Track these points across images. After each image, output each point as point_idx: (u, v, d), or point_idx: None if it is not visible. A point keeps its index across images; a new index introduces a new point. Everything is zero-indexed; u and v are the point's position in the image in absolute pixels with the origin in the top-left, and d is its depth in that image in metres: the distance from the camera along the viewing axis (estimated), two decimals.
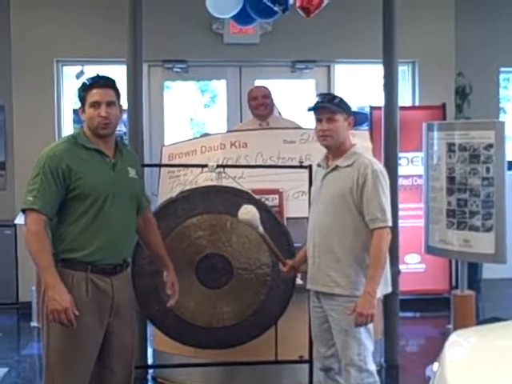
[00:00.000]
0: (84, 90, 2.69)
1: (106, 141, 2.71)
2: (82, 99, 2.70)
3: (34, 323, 5.05)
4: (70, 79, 5.98)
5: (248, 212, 3.05)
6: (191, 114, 7.08)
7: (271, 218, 3.35)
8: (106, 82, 2.70)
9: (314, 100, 3.00)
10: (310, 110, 2.97)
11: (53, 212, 2.60)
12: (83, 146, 2.67)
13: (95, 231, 2.63)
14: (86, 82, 2.72)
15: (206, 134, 5.19)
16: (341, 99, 2.96)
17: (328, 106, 2.91)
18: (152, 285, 3.27)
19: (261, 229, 3.08)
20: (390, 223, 2.86)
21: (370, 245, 2.82)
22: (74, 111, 5.79)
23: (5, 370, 4.28)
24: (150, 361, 4.13)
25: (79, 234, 2.62)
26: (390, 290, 3.04)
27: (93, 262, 2.63)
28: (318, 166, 3.09)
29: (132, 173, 2.80)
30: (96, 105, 2.66)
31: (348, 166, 2.91)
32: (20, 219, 2.88)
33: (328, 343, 2.99)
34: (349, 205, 2.87)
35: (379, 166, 2.92)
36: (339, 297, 2.88)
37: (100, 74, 2.76)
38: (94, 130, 2.68)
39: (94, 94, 2.66)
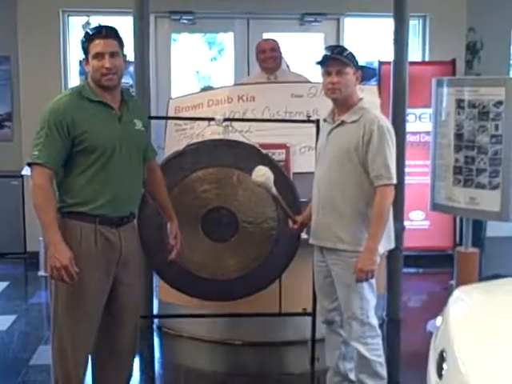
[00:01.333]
0: (86, 41, 2.65)
1: (111, 92, 2.69)
2: (85, 50, 2.67)
3: (41, 272, 5.14)
4: (77, 30, 5.92)
5: (263, 174, 3.03)
6: (198, 67, 7.03)
7: (278, 172, 3.35)
8: (108, 32, 2.66)
9: (322, 53, 2.97)
10: (318, 63, 2.93)
11: (58, 166, 2.60)
12: (88, 98, 2.65)
13: (102, 184, 2.63)
14: (88, 32, 2.68)
15: (210, 88, 5.16)
16: (351, 52, 2.93)
17: (339, 57, 2.87)
18: (158, 236, 3.29)
19: (274, 190, 3.07)
20: (394, 180, 2.85)
21: (373, 201, 2.83)
22: (80, 62, 5.72)
23: (13, 317, 4.38)
24: (155, 311, 4.20)
25: (86, 186, 2.62)
26: (393, 246, 3.05)
27: (101, 214, 2.64)
28: (324, 120, 3.07)
29: (139, 125, 2.78)
30: (99, 56, 2.63)
31: (354, 121, 2.89)
32: (27, 171, 2.88)
33: (331, 297, 3.03)
34: (354, 161, 2.86)
35: (386, 122, 2.90)
36: (342, 252, 2.90)
37: (102, 24, 2.72)
38: (98, 81, 2.66)
39: (97, 45, 2.62)
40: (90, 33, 2.66)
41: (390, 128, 2.89)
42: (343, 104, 2.93)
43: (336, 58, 2.88)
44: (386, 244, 2.93)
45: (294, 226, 3.17)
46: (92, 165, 2.62)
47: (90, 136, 2.60)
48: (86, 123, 2.61)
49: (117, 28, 2.71)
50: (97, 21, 5.68)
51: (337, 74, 2.88)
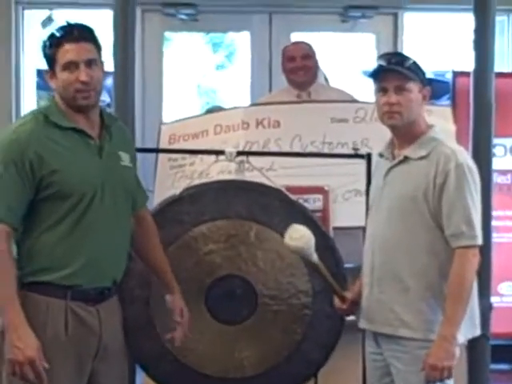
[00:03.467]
0: (52, 47, 2.70)
1: (87, 115, 2.74)
2: (51, 59, 2.71)
3: None
4: (35, 28, 6.03)
5: (301, 236, 3.01)
6: (199, 79, 7.12)
7: (313, 227, 3.36)
8: (82, 33, 2.71)
9: (374, 62, 3.01)
10: (370, 75, 2.97)
11: (18, 220, 2.63)
12: (56, 125, 2.69)
13: (77, 244, 2.66)
14: (53, 34, 2.73)
15: (219, 108, 5.21)
16: (414, 62, 2.96)
17: (398, 69, 2.90)
18: (144, 317, 3.29)
19: (316, 258, 3.07)
20: (479, 241, 2.86)
21: (449, 270, 2.82)
22: (39, 72, 5.84)
23: None
24: None
25: (55, 248, 2.64)
26: (478, 332, 3.03)
27: (74, 285, 2.65)
28: (380, 156, 3.09)
29: (125, 159, 2.83)
30: (72, 66, 2.67)
31: (422, 157, 2.90)
32: None
33: None
34: (422, 212, 2.86)
35: (466, 159, 2.91)
36: (407, 341, 2.88)
37: (71, 22, 2.77)
38: (71, 100, 2.70)
39: (68, 52, 2.67)
40: (58, 34, 2.71)
41: (472, 167, 2.91)
42: (406, 133, 2.96)
43: (394, 70, 2.91)
44: (467, 330, 2.92)
45: (343, 305, 3.15)
46: (64, 217, 2.65)
47: (61, 177, 2.64)
48: (56, 159, 2.65)
49: (92, 27, 2.77)
50: (62, 16, 5.78)
51: (396, 91, 2.91)
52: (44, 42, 2.74)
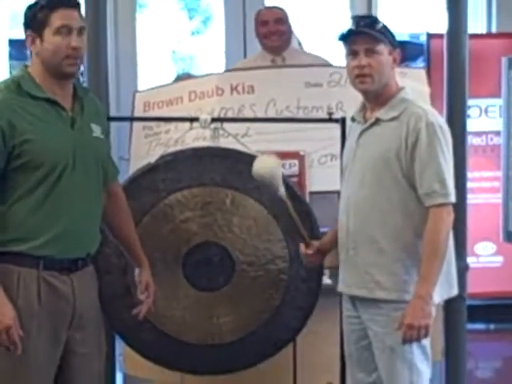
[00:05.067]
0: (45, 9, 2.69)
1: (63, 86, 2.74)
2: (40, 22, 2.69)
3: None
4: None
5: (267, 165, 3.04)
6: (174, 45, 7.07)
7: (289, 193, 3.36)
8: (75, 2, 2.73)
9: (347, 25, 3.00)
10: (340, 38, 2.96)
11: None
12: (30, 94, 2.68)
13: (49, 213, 2.65)
14: None
15: (188, 75, 5.18)
16: (384, 25, 2.96)
17: (367, 31, 2.90)
18: (121, 285, 3.30)
19: (282, 190, 3.08)
20: (452, 198, 2.87)
21: (424, 230, 2.84)
22: (11, 42, 5.77)
23: None
24: None
25: (27, 218, 2.64)
26: (454, 292, 3.06)
27: (46, 256, 2.66)
28: (353, 120, 3.10)
29: (97, 131, 2.82)
30: (65, 31, 2.68)
31: (394, 118, 2.91)
32: None
33: (368, 366, 3.03)
34: (395, 173, 2.88)
35: (437, 118, 2.92)
36: (383, 303, 2.90)
37: None
38: (56, 66, 2.69)
39: (62, 16, 2.68)
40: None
41: (443, 126, 2.92)
42: (377, 96, 2.96)
43: (364, 33, 2.90)
44: (443, 290, 2.94)
45: (308, 250, 3.16)
46: (35, 188, 2.64)
47: (33, 146, 2.63)
48: (28, 129, 2.64)
49: None
50: None
51: (366, 54, 2.91)
52: (34, 5, 2.73)
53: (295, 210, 3.16)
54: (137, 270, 3.06)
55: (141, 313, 3.04)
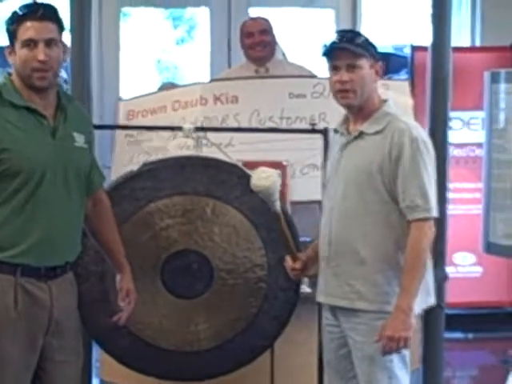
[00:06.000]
0: (14, 23, 2.70)
1: (43, 95, 2.74)
2: (12, 35, 2.71)
3: None
4: None
5: (268, 177, 3.03)
6: (159, 54, 7.07)
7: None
8: (47, 12, 2.71)
9: (331, 37, 3.01)
10: (323, 54, 2.98)
11: None
12: (10, 102, 2.69)
13: (26, 222, 2.66)
14: (16, 11, 2.73)
15: (171, 85, 5.18)
16: (366, 38, 2.98)
17: (347, 47, 2.92)
18: (99, 291, 3.30)
19: (278, 206, 3.08)
20: (434, 213, 2.89)
21: (405, 242, 2.85)
22: (1, 51, 5.74)
23: None
24: None
25: (3, 226, 2.65)
26: (432, 301, 3.08)
27: (24, 264, 2.66)
28: (335, 132, 3.11)
29: (80, 140, 2.82)
30: (31, 44, 2.67)
31: (377, 132, 2.93)
32: None
33: (346, 375, 3.04)
34: (377, 186, 2.89)
35: (420, 133, 2.94)
36: (364, 313, 2.91)
37: (38, 1, 2.81)
38: (27, 79, 2.70)
39: (29, 29, 2.67)
40: (20, 12, 2.71)
41: (426, 140, 2.94)
42: (360, 109, 2.98)
43: (345, 48, 2.92)
44: (423, 299, 2.95)
45: (295, 265, 3.15)
46: (13, 196, 2.65)
47: (11, 155, 2.64)
48: (7, 137, 2.64)
49: (56, 7, 2.76)
50: None
51: (347, 69, 2.92)
52: (8, 18, 2.74)
53: (287, 225, 3.16)
54: (118, 277, 3.05)
55: (121, 319, 3.03)
